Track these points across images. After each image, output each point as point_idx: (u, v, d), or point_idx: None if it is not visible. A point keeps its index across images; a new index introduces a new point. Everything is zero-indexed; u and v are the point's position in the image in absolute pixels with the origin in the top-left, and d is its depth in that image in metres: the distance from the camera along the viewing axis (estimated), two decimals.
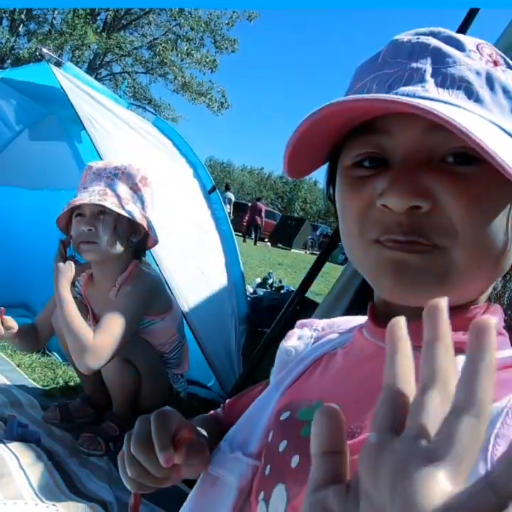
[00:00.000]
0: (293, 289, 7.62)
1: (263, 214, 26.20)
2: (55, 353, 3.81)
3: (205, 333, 3.41)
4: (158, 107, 30.13)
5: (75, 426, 2.87)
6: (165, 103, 31.02)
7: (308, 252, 30.69)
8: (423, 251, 0.67)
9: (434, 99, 0.65)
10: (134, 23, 29.98)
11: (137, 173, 2.74)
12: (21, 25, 28.65)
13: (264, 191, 75.75)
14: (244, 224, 25.71)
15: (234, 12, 29.19)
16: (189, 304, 3.32)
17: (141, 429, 0.89)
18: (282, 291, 7.20)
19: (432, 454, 0.37)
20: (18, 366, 3.59)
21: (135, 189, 2.69)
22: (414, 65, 0.71)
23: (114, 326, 2.50)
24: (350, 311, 2.61)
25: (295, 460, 0.76)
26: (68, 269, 2.57)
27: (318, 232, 34.41)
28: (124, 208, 2.60)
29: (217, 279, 4.02)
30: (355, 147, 0.73)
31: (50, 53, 4.66)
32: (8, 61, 27.48)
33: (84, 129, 3.46)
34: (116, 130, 3.75)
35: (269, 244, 26.78)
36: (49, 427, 2.82)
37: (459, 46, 0.72)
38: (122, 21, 29.42)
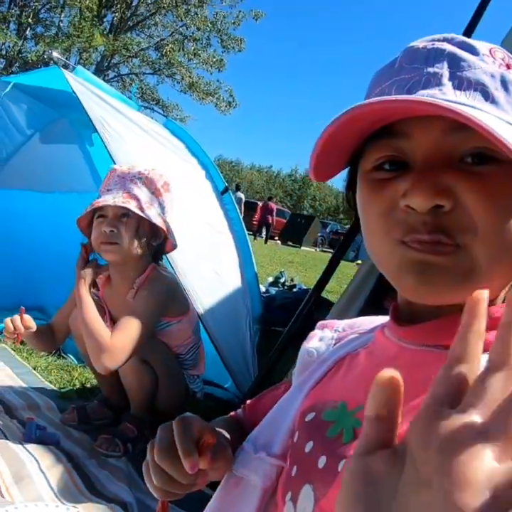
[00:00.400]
0: (305, 287, 7.63)
1: (274, 213, 26.24)
2: (70, 356, 3.84)
3: (221, 334, 3.43)
4: (166, 107, 30.14)
5: (92, 428, 2.89)
6: (173, 103, 31.02)
7: (318, 249, 30.69)
8: (447, 252, 0.68)
9: (452, 101, 0.66)
10: (140, 24, 30.00)
11: (160, 179, 2.76)
12: (28, 29, 28.71)
13: (273, 189, 75.64)
14: (255, 223, 25.74)
15: (240, 11, 29.23)
16: (204, 305, 3.34)
17: (163, 437, 0.90)
18: (294, 290, 7.20)
19: (486, 432, 0.38)
20: (34, 369, 3.61)
21: (157, 194, 2.72)
22: (430, 69, 0.73)
23: (131, 328, 2.53)
24: (365, 310, 2.62)
25: (322, 461, 0.76)
26: (89, 273, 2.62)
27: (327, 230, 34.38)
28: (146, 212, 2.63)
29: (232, 279, 4.03)
30: (375, 151, 0.75)
31: (61, 57, 4.67)
32: (16, 65, 27.55)
33: (97, 132, 3.48)
34: (128, 132, 3.76)
35: (279, 242, 26.80)
36: (67, 429, 2.84)
37: (473, 51, 0.74)
38: (129, 23, 29.44)
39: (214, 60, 29.52)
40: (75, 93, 3.66)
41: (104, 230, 2.64)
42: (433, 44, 0.75)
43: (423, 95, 0.69)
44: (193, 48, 29.44)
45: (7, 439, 2.59)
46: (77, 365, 3.73)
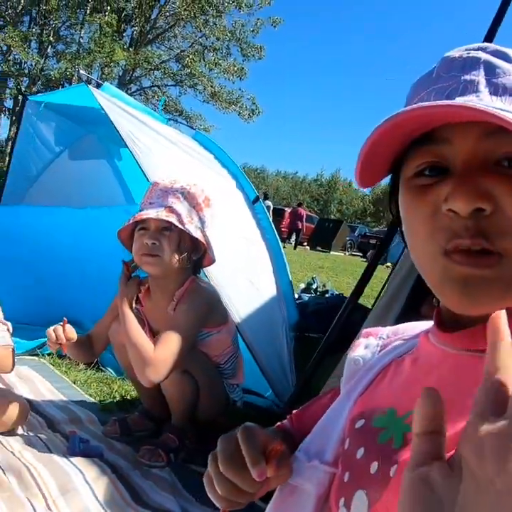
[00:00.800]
0: (337, 292, 7.63)
1: (304, 219, 26.24)
2: (109, 369, 3.88)
3: (258, 342, 3.44)
4: (190, 118, 30.31)
5: (134, 439, 2.92)
6: (196, 114, 31.21)
7: (347, 253, 30.60)
8: (490, 264, 0.70)
9: (489, 106, 0.68)
10: (160, 37, 30.26)
11: (201, 194, 2.80)
12: (49, 47, 29.06)
13: (300, 195, 75.40)
14: (284, 229, 25.74)
15: (258, 19, 29.32)
16: (241, 315, 3.36)
17: (226, 447, 0.92)
18: (327, 295, 7.20)
19: None
20: (74, 383, 3.65)
21: (198, 209, 2.75)
22: (467, 77, 0.75)
23: (173, 341, 2.58)
24: (402, 317, 2.62)
25: (374, 466, 0.78)
26: (132, 290, 2.68)
27: (356, 233, 34.28)
28: (187, 226, 2.66)
29: (267, 288, 4.04)
30: (416, 158, 0.77)
31: (88, 75, 4.74)
32: (39, 82, 27.87)
33: (127, 147, 3.52)
34: (157, 146, 3.80)
35: (308, 248, 26.76)
36: (109, 441, 2.87)
37: (507, 58, 0.76)
38: (148, 36, 29.68)
39: (235, 68, 29.66)
40: (103, 109, 3.71)
41: (146, 242, 2.68)
42: (468, 53, 0.78)
43: (462, 101, 0.71)
44: (213, 57, 29.62)
45: (51, 452, 2.63)
46: (116, 377, 3.77)
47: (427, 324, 0.92)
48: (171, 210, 2.67)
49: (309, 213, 33.44)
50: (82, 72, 4.79)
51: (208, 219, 2.81)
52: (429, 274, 0.77)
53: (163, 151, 3.83)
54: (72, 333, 2.71)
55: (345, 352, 2.70)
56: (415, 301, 2.78)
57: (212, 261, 2.88)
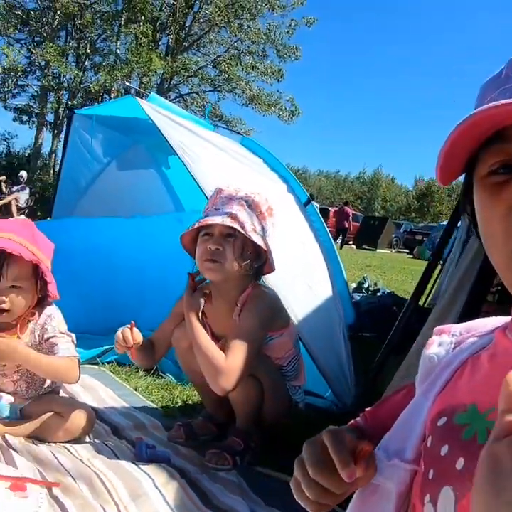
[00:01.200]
0: (388, 290, 7.60)
1: (351, 218, 26.15)
2: (169, 375, 3.91)
3: (316, 344, 3.45)
4: (230, 122, 30.42)
5: (198, 444, 2.94)
6: (236, 118, 31.30)
7: (393, 250, 30.39)
8: None
9: None
10: (195, 43, 30.42)
11: (265, 203, 2.83)
12: (87, 60, 29.48)
13: (343, 194, 74.95)
14: (331, 229, 25.65)
15: (292, 20, 29.30)
16: (298, 318, 3.39)
17: (312, 452, 0.94)
18: (378, 294, 7.18)
19: None
20: (135, 389, 3.70)
21: (261, 217, 2.78)
22: None
23: (242, 349, 2.62)
24: (464, 315, 2.61)
25: (460, 463, 0.78)
26: (198, 301, 2.73)
27: (401, 230, 34.04)
28: (250, 234, 2.69)
29: (323, 289, 4.05)
30: (489, 157, 0.78)
31: (134, 87, 4.82)
32: (79, 95, 28.28)
33: (177, 155, 3.56)
34: (207, 154, 3.84)
35: (354, 246, 26.65)
36: (174, 446, 2.89)
37: None
38: (184, 43, 29.87)
39: (272, 70, 29.65)
40: (151, 120, 3.77)
41: (209, 247, 2.71)
42: None
43: None
44: (250, 61, 29.67)
45: (119, 459, 2.66)
46: (177, 383, 3.81)
47: (498, 320, 0.93)
48: (236, 217, 2.70)
49: (355, 212, 33.28)
50: (127, 84, 4.87)
51: (269, 228, 2.84)
52: (505, 274, 0.78)
53: (212, 159, 3.87)
54: (139, 336, 2.78)
55: (406, 352, 2.70)
56: (476, 299, 2.78)
57: (272, 269, 2.90)
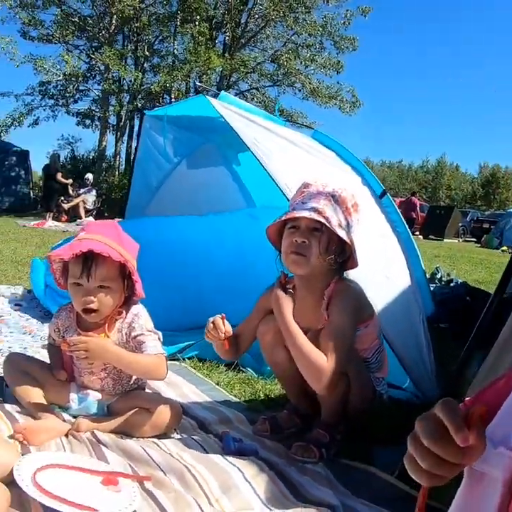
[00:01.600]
0: (460, 280, 7.49)
1: (418, 208, 25.82)
2: (249, 369, 3.95)
3: (396, 335, 3.44)
4: (291, 116, 30.33)
5: (283, 437, 2.96)
6: (297, 112, 31.19)
7: (461, 240, 29.90)
8: None
9: None
10: (252, 39, 30.43)
11: (351, 199, 2.83)
12: (145, 62, 29.83)
13: (407, 183, 74.04)
14: None
15: (347, 10, 29.08)
16: (378, 309, 3.36)
17: (426, 425, 0.95)
18: (452, 284, 7.09)
19: None
20: (217, 384, 3.74)
21: (347, 213, 2.78)
22: None
23: (339, 347, 2.65)
24: None
25: None
26: (290, 299, 2.73)
27: (468, 219, 33.45)
28: (337, 229, 2.70)
29: (402, 281, 4.03)
30: None
31: (205, 86, 4.89)
32: (139, 97, 28.63)
33: (251, 151, 3.59)
34: (280, 149, 3.86)
35: (420, 237, 26.32)
36: (260, 440, 2.92)
37: None
38: (241, 40, 29.92)
39: (331, 62, 29.44)
40: (223, 118, 3.80)
41: (295, 239, 2.73)
42: None
43: None
44: (308, 54, 29.50)
45: (207, 452, 2.70)
46: (258, 378, 3.84)
47: None
48: (322, 211, 2.71)
49: (421, 202, 32.80)
50: (198, 84, 4.94)
51: (354, 224, 2.83)
52: None
53: (286, 153, 3.89)
54: (229, 327, 2.85)
55: (493, 345, 2.66)
56: None
57: (356, 264, 2.89)
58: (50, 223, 18.08)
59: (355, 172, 4.54)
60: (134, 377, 3.02)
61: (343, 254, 2.82)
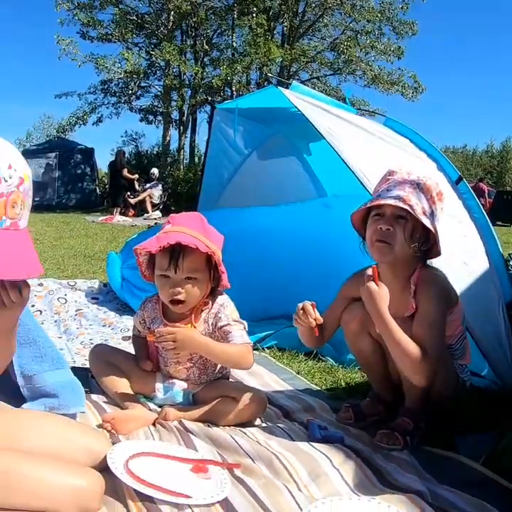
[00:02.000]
0: None
1: (486, 194, 25.35)
2: (329, 358, 3.98)
3: (474, 321, 3.40)
4: (353, 104, 29.98)
5: (366, 424, 2.97)
6: (359, 99, 30.87)
7: None
8: None
9: None
10: (310, 29, 30.27)
11: (436, 187, 2.82)
12: (205, 56, 29.98)
13: (471, 169, 72.53)
14: None
15: None
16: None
17: None
18: None
19: None
20: (298, 373, 3.77)
21: (431, 201, 2.78)
22: None
23: (435, 335, 2.68)
24: None
25: None
26: (386, 292, 2.70)
27: None
28: (422, 217, 2.69)
29: (480, 267, 3.98)
30: None
31: (276, 77, 4.92)
32: (200, 91, 28.79)
33: (326, 141, 3.59)
34: (354, 137, 3.87)
35: None
36: (344, 427, 2.93)
37: None
38: (300, 30, 29.79)
39: (391, 48, 29.07)
40: (296, 108, 3.82)
41: (380, 226, 2.74)
42: None
43: None
44: (367, 41, 29.17)
45: (293, 440, 2.73)
46: (338, 366, 3.86)
47: None
48: (407, 199, 2.70)
49: (489, 188, 32.15)
50: (269, 75, 4.97)
51: (438, 212, 2.82)
52: None
53: (361, 142, 3.89)
54: (318, 315, 2.85)
55: None
56: None
57: (439, 253, 2.87)
58: (117, 218, 18.40)
59: (430, 159, 4.47)
60: (218, 367, 3.07)
61: (427, 243, 2.81)
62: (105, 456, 2.24)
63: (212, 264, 2.88)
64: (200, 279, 2.85)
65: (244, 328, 2.93)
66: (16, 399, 2.55)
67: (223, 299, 2.99)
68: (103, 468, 2.19)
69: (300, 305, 2.87)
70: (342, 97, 29.19)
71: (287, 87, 4.33)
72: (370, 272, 2.70)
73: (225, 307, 2.95)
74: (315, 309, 2.86)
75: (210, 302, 2.97)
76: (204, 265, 2.85)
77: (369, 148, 3.95)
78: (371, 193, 3.13)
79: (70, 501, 1.93)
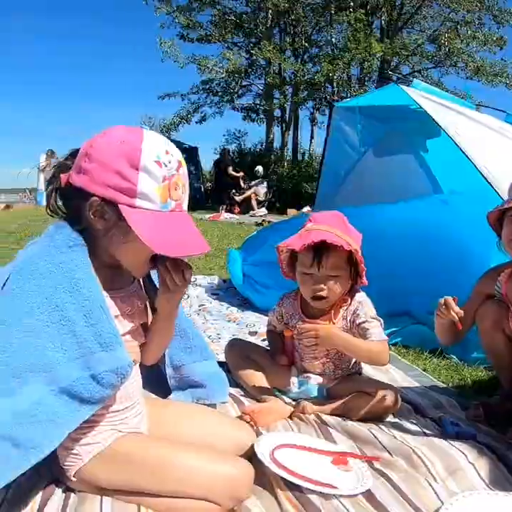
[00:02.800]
0: None
1: None
2: (453, 356, 3.96)
3: None
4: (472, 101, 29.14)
5: (498, 422, 2.94)
6: (461, 92, 30.08)
7: None
8: None
9: None
10: (409, 21, 29.69)
11: None
12: (305, 53, 29.90)
13: None
14: None
15: None
16: None
17: None
18: None
19: None
20: (424, 370, 3.79)
21: None
22: None
23: None
24: None
25: None
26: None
27: None
28: None
29: None
30: None
31: (398, 75, 4.94)
32: (301, 88, 28.74)
33: (450, 137, 3.59)
34: (478, 133, 3.84)
35: None
36: (474, 424, 2.92)
37: None
38: (398, 23, 29.27)
39: (493, 38, 28.13)
40: (418, 105, 3.83)
41: None
42: None
43: None
44: (468, 31, 28.32)
45: (427, 436, 2.75)
46: (464, 364, 3.85)
47: None
48: None
49: None
50: (390, 72, 5.00)
51: None
52: None
53: (484, 138, 3.85)
54: (459, 310, 2.79)
55: None
56: None
57: None
58: (225, 215, 18.64)
59: None
60: (352, 362, 3.13)
61: None
62: (250, 447, 2.35)
63: (354, 261, 2.93)
64: (342, 276, 2.92)
65: (381, 325, 2.97)
66: (161, 390, 2.69)
67: (361, 296, 3.04)
68: (248, 458, 2.28)
69: (442, 300, 2.82)
70: (445, 90, 28.60)
71: (408, 85, 4.34)
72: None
73: (363, 304, 3.00)
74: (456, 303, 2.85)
75: (349, 299, 3.03)
76: (345, 263, 2.91)
77: (492, 145, 3.92)
78: (495, 188, 3.11)
79: (223, 489, 2.03)
